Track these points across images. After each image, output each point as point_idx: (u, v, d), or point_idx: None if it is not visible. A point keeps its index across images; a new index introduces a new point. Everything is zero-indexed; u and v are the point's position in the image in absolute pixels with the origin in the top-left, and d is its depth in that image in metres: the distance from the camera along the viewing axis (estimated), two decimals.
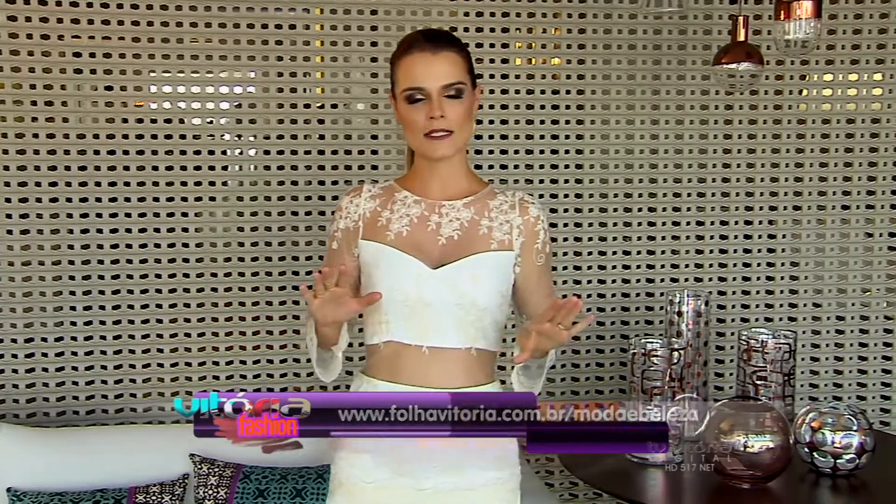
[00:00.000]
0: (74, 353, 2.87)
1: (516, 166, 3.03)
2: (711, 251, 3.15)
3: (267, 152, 2.92)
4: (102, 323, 2.88)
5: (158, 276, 2.89)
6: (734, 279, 3.16)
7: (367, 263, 1.81)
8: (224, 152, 2.91)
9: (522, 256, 1.83)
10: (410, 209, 1.82)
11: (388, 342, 1.79)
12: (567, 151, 3.05)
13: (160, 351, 2.92)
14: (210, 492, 2.52)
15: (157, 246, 2.88)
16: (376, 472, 1.79)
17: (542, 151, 3.04)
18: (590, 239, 3.09)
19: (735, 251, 3.16)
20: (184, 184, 2.88)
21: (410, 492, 1.78)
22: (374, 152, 2.96)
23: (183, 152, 2.87)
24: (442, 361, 1.78)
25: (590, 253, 3.10)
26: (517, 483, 1.88)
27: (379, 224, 1.82)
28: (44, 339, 2.85)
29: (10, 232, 2.80)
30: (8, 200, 2.79)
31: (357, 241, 1.83)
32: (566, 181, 3.06)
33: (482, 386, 1.81)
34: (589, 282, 3.11)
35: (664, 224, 3.12)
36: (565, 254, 3.08)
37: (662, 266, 3.14)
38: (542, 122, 3.03)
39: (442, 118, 1.73)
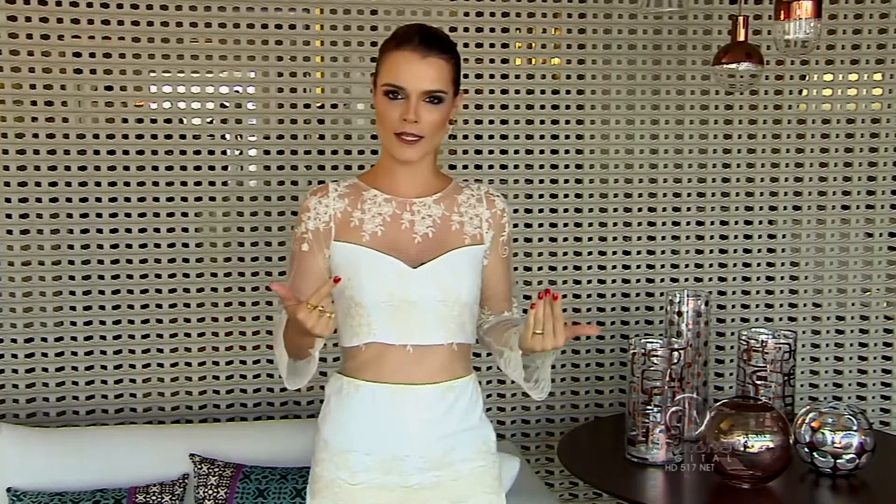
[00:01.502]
0: (74, 353, 2.87)
1: (516, 166, 3.03)
2: (711, 251, 3.15)
3: (267, 152, 2.92)
4: (102, 323, 2.88)
5: (158, 276, 2.89)
6: (734, 279, 3.16)
7: (342, 266, 1.79)
8: (224, 152, 2.91)
9: (490, 249, 1.87)
10: (382, 208, 1.82)
11: (370, 343, 1.79)
12: (567, 151, 3.05)
13: (160, 351, 2.92)
14: (210, 492, 2.52)
15: (157, 246, 2.88)
16: (363, 473, 1.79)
17: (542, 151, 3.04)
18: (590, 239, 3.09)
19: (735, 251, 3.16)
20: (184, 184, 2.88)
21: (398, 489, 1.79)
22: (374, 152, 2.96)
23: (183, 152, 2.86)
24: (425, 358, 1.79)
25: (590, 253, 3.10)
26: (498, 471, 1.91)
27: (351, 225, 1.80)
28: (44, 339, 2.85)
29: (10, 232, 2.80)
30: (8, 200, 2.79)
31: (329, 243, 1.80)
32: (566, 181, 3.06)
33: (461, 379, 1.84)
34: (589, 282, 3.11)
35: (664, 224, 3.12)
36: (565, 254, 3.08)
37: (662, 266, 3.14)
38: (542, 122, 3.03)
39: (415, 123, 1.73)
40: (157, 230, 2.87)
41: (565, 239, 3.07)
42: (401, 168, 1.82)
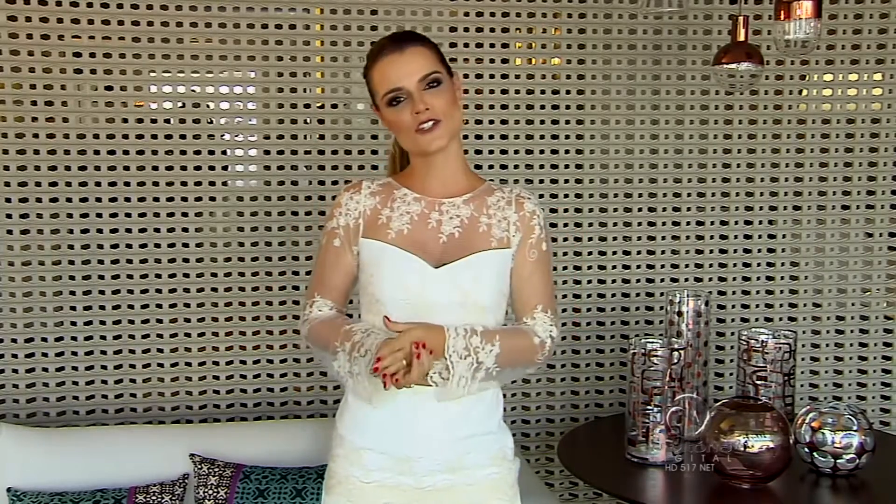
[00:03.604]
0: (74, 353, 2.87)
1: (516, 166, 3.03)
2: (711, 251, 3.15)
3: (267, 152, 2.92)
4: (102, 323, 2.88)
5: (158, 276, 2.89)
6: (734, 279, 3.16)
7: (368, 262, 1.82)
8: (224, 152, 2.91)
9: (517, 253, 1.84)
10: (411, 207, 1.82)
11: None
12: (567, 151, 3.05)
13: (160, 351, 2.92)
14: (210, 492, 2.52)
15: (157, 246, 2.88)
16: (377, 471, 1.80)
17: (542, 151, 3.04)
18: (590, 239, 3.09)
19: (735, 251, 3.16)
20: (184, 184, 2.88)
21: (410, 490, 1.79)
22: (374, 152, 2.96)
23: (183, 152, 2.87)
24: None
25: (590, 253, 3.10)
26: (515, 478, 1.90)
27: (379, 222, 1.82)
28: (44, 339, 2.85)
29: (10, 232, 2.80)
30: (8, 200, 2.79)
31: (357, 239, 1.83)
32: (566, 181, 3.06)
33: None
34: (589, 282, 3.11)
35: (664, 224, 3.12)
36: (565, 254, 3.08)
37: (662, 266, 3.14)
38: (542, 122, 3.03)
39: (427, 111, 1.73)
40: (157, 230, 2.87)
41: (565, 239, 3.07)
42: (431, 168, 1.82)
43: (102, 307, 2.87)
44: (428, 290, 1.76)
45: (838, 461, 2.37)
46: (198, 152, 2.88)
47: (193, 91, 2.86)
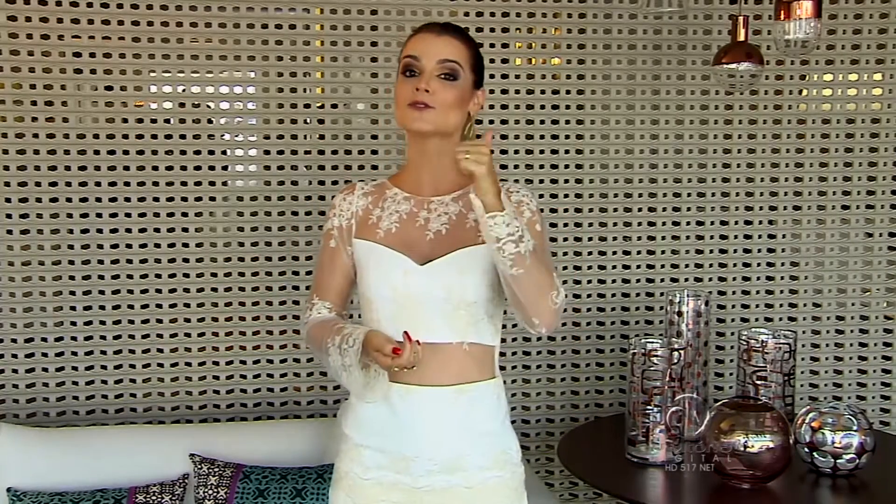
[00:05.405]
0: (74, 353, 2.87)
1: (516, 166, 3.03)
2: (711, 251, 3.15)
3: (267, 152, 2.93)
4: (102, 323, 2.88)
5: (158, 276, 2.89)
6: (734, 279, 3.16)
7: (359, 262, 1.84)
8: (224, 152, 2.91)
9: None
10: (400, 206, 1.84)
11: None
12: (567, 151, 3.05)
13: (160, 351, 2.92)
14: (210, 492, 2.52)
15: (157, 246, 2.88)
16: (375, 469, 1.80)
17: (542, 151, 3.04)
18: (590, 239, 3.09)
19: (735, 251, 3.16)
20: (184, 184, 2.88)
21: (407, 490, 1.79)
22: (374, 152, 2.96)
23: (183, 152, 2.87)
24: (436, 358, 1.76)
25: (590, 253, 3.10)
26: (520, 482, 1.87)
27: (370, 222, 1.84)
28: (44, 339, 2.85)
29: (10, 232, 2.80)
30: (8, 200, 2.79)
31: (351, 240, 1.85)
32: (566, 181, 3.06)
33: (477, 382, 1.81)
34: (589, 282, 3.11)
35: (664, 224, 3.12)
36: (565, 254, 3.08)
37: (662, 266, 3.14)
38: (542, 122, 3.03)
39: (427, 92, 1.74)
40: (157, 230, 2.87)
41: (565, 239, 3.07)
42: (424, 159, 1.83)
43: (102, 307, 2.87)
44: (413, 287, 1.76)
45: (838, 461, 2.37)
46: (198, 152, 2.88)
47: (193, 91, 2.86)
